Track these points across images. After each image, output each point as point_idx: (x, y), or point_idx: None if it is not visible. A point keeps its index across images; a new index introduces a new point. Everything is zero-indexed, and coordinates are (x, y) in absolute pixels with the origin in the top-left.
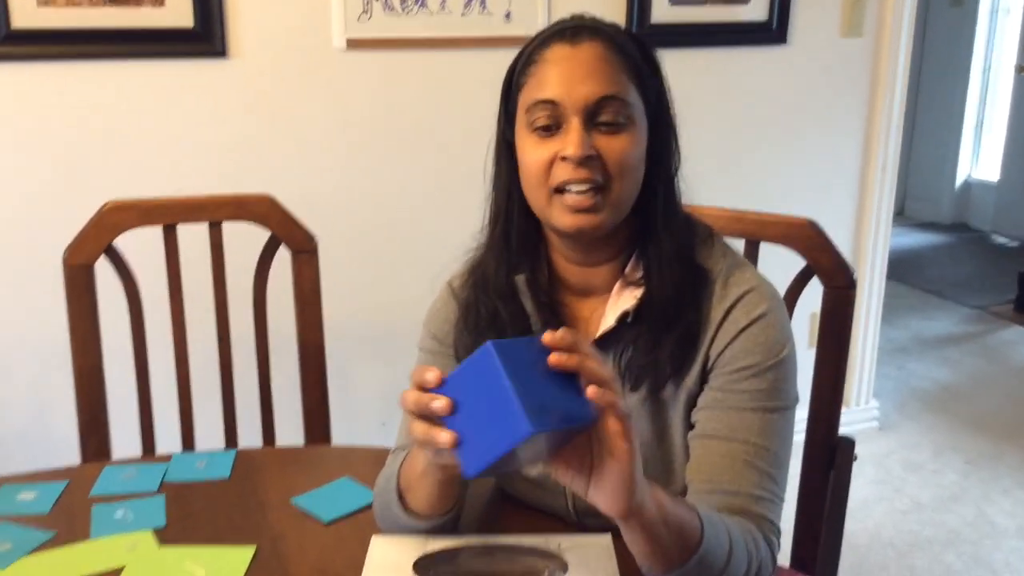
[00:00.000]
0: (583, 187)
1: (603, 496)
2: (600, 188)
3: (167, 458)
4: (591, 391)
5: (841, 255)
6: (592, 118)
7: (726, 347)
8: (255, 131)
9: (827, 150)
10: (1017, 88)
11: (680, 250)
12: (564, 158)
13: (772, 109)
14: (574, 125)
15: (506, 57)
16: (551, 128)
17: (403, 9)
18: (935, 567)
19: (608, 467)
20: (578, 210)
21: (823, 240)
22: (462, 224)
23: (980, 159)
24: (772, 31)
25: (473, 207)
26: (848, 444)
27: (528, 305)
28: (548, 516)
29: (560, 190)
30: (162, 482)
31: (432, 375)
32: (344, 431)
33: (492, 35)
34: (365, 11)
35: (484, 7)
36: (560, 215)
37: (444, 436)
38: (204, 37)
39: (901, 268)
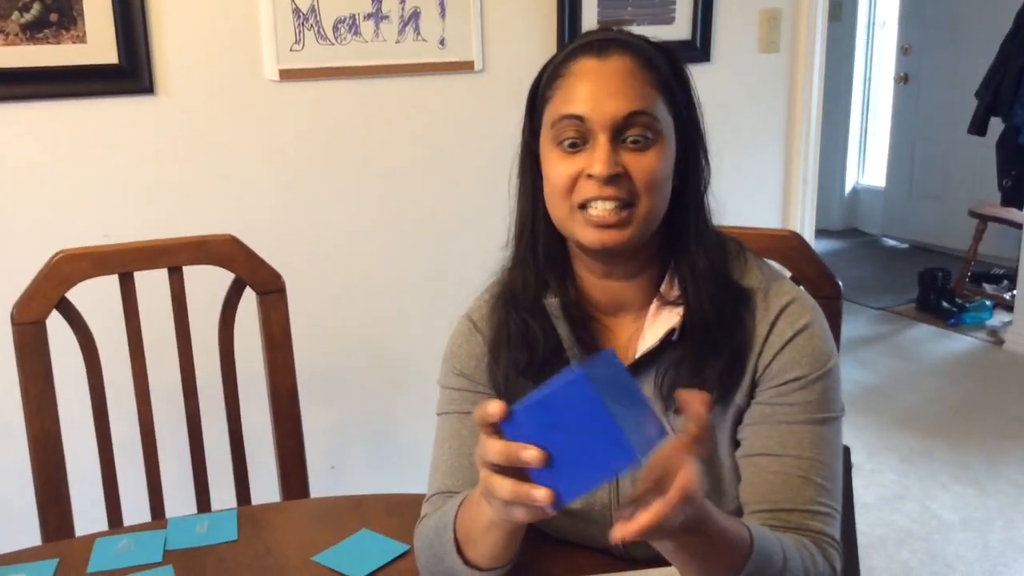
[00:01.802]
0: (608, 204)
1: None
2: (627, 204)
3: (161, 524)
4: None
5: (826, 266)
6: (619, 134)
7: (772, 359)
8: (189, 169)
9: (751, 164)
10: (897, 97)
11: (714, 266)
12: (590, 176)
13: None
14: (601, 142)
15: (442, 83)
16: (577, 143)
17: (336, 38)
18: (893, 566)
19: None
20: (602, 225)
21: (808, 251)
22: (411, 253)
23: (866, 166)
24: (696, 49)
25: (418, 234)
26: (845, 452)
27: (559, 325)
28: (592, 550)
29: (583, 205)
30: (164, 551)
31: (496, 407)
32: None
33: (427, 61)
34: (297, 41)
35: (418, 34)
36: (583, 230)
37: (541, 493)
38: (130, 73)
39: None
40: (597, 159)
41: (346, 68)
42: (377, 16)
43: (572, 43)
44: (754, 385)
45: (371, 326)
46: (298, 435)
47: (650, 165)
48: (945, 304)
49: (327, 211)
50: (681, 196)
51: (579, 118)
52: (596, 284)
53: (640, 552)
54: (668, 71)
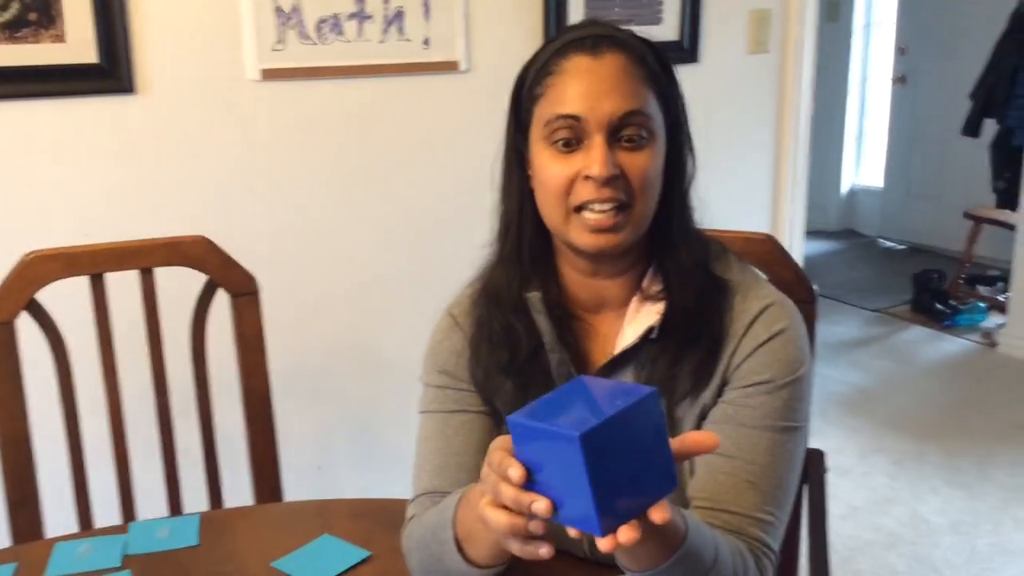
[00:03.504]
0: (606, 206)
1: None
2: (623, 206)
3: (123, 528)
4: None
5: (800, 269)
6: (615, 133)
7: (744, 361)
8: (170, 169)
9: (740, 164)
10: (894, 98)
11: (698, 263)
12: (588, 177)
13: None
14: (597, 142)
15: (426, 83)
16: (572, 143)
17: (319, 38)
18: (880, 570)
19: None
20: (599, 230)
21: (782, 255)
22: (393, 254)
23: (863, 167)
24: (684, 50)
25: (401, 235)
26: (818, 456)
27: (541, 321)
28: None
29: (580, 208)
30: (124, 556)
31: (517, 474)
32: None
33: (411, 61)
34: (279, 40)
35: (402, 33)
36: (580, 234)
37: (544, 550)
38: (110, 73)
39: None
40: (594, 160)
41: (329, 68)
42: (360, 16)
43: (561, 38)
44: (723, 384)
45: (356, 326)
46: (271, 437)
47: (645, 165)
48: (939, 306)
49: (311, 211)
50: (667, 193)
51: (575, 118)
52: (581, 282)
53: (602, 554)
54: (658, 68)
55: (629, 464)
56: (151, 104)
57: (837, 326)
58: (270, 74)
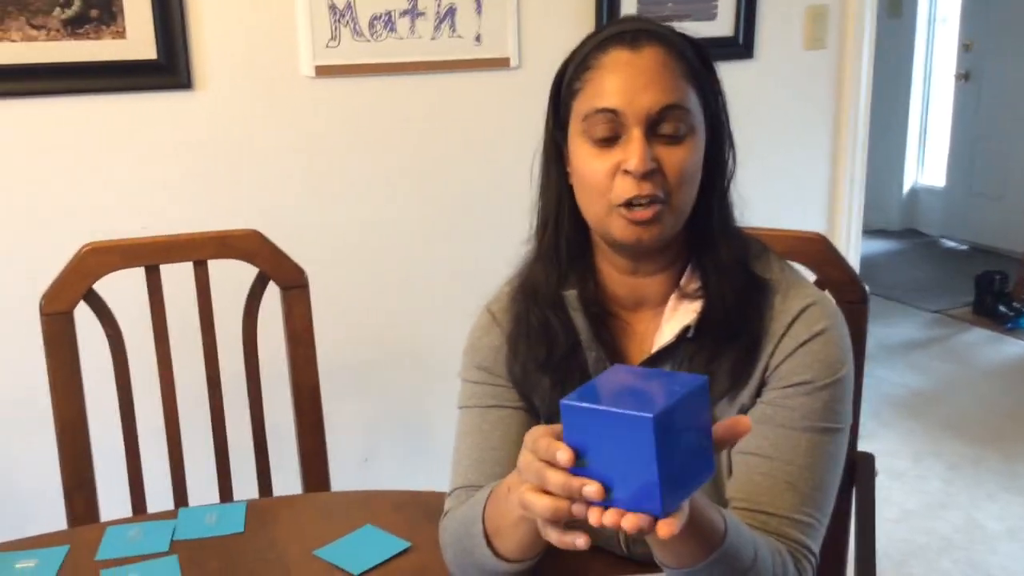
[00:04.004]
0: (644, 201)
1: None
2: (661, 200)
3: (173, 514)
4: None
5: (852, 269)
6: (653, 127)
7: (783, 361)
8: (225, 164)
9: (796, 163)
10: (958, 95)
11: (738, 261)
12: (626, 171)
13: (741, 123)
14: (635, 136)
15: (478, 80)
16: (610, 138)
17: (372, 35)
18: (932, 575)
19: None
20: (639, 223)
21: (834, 255)
22: (442, 250)
23: (925, 165)
24: (739, 46)
25: (452, 232)
26: (868, 459)
27: (578, 319)
28: (595, 549)
29: (622, 204)
30: (172, 540)
31: (565, 456)
32: None
33: (463, 58)
34: (333, 37)
35: (454, 31)
36: (621, 228)
37: (581, 540)
38: (168, 69)
39: (860, 276)
40: (632, 153)
41: (381, 64)
42: (413, 12)
43: (600, 33)
44: (762, 385)
45: (404, 321)
46: (319, 429)
47: (683, 159)
48: (1002, 308)
49: (362, 206)
50: (706, 190)
51: (613, 112)
52: (619, 280)
53: (640, 549)
54: (698, 63)
55: (684, 448)
56: (208, 100)
57: (896, 327)
58: (324, 71)
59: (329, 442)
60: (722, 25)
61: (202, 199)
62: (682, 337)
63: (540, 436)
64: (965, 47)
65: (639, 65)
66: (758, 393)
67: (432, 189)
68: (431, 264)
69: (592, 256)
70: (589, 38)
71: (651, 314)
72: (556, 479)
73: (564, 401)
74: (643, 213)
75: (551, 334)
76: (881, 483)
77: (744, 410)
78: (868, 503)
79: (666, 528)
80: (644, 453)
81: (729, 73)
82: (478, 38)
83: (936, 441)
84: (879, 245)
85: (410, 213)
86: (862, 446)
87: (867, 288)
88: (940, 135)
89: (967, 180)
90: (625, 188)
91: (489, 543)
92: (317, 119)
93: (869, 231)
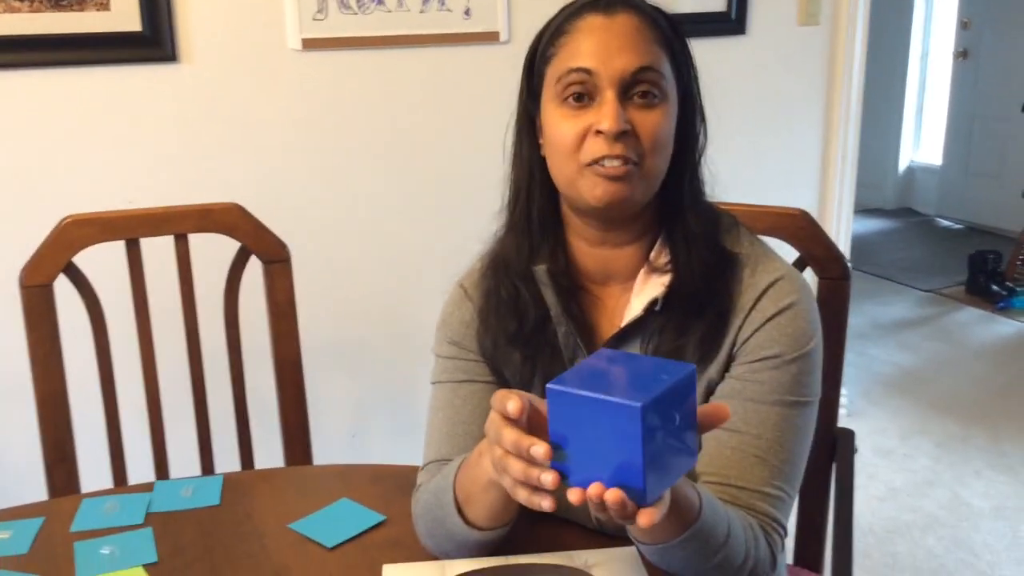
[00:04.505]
0: (616, 161)
1: None
2: (633, 162)
3: (149, 487)
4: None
5: (835, 246)
6: (627, 91)
7: (751, 335)
8: (211, 137)
9: (788, 140)
10: (955, 73)
11: (707, 235)
12: (599, 132)
13: (733, 99)
14: (609, 97)
15: (466, 54)
16: (583, 98)
17: (359, 7)
18: (916, 551)
19: None
20: (609, 178)
21: (816, 231)
22: (428, 226)
23: (922, 144)
24: (731, 21)
25: (440, 207)
26: (848, 435)
27: (548, 294)
28: (565, 522)
29: (591, 163)
30: (147, 513)
31: (515, 407)
32: (313, 445)
33: (451, 32)
34: (320, 10)
35: (443, 4)
36: (591, 188)
37: (547, 502)
38: (153, 41)
39: (852, 254)
40: (605, 114)
41: (369, 38)
42: None
43: (573, 3)
44: (730, 359)
45: (392, 296)
46: (302, 403)
47: (656, 123)
48: (995, 287)
49: (350, 181)
50: (677, 163)
51: (587, 71)
52: (588, 252)
53: (611, 524)
54: (671, 32)
55: (669, 437)
56: (193, 73)
57: (888, 306)
58: (311, 43)
59: (317, 418)
60: (715, 0)
61: (188, 173)
62: (651, 310)
63: (503, 395)
64: (963, 25)
65: (614, 29)
66: (727, 367)
67: (420, 164)
68: (419, 239)
69: (563, 230)
70: (563, 8)
71: (621, 288)
72: (509, 436)
73: (550, 385)
74: (614, 168)
75: (521, 307)
76: (868, 461)
77: (713, 384)
78: (847, 479)
79: (647, 517)
80: (630, 441)
81: (722, 49)
82: (467, 12)
83: (924, 419)
84: (874, 224)
85: (398, 188)
86: (851, 423)
87: (860, 267)
88: (937, 113)
89: (964, 159)
90: (597, 147)
91: (460, 511)
92: (304, 92)
93: (865, 210)
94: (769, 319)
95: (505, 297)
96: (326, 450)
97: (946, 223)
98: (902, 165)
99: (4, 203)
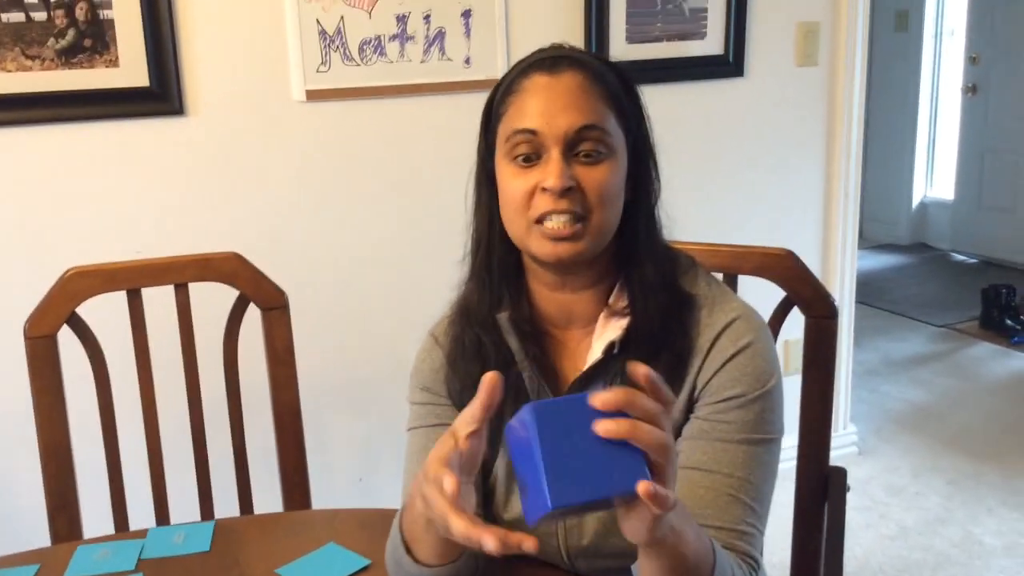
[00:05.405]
0: (563, 217)
1: (629, 524)
2: (580, 217)
3: (143, 533)
4: (642, 487)
5: (821, 285)
6: (572, 148)
7: (713, 376)
8: (217, 189)
9: (789, 179)
10: (965, 108)
11: (664, 278)
12: (544, 189)
13: (733, 141)
14: (554, 156)
15: (467, 102)
16: (531, 158)
17: (362, 59)
18: None
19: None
20: (557, 238)
21: (802, 271)
22: (431, 273)
23: (934, 179)
24: (729, 64)
25: (442, 254)
26: (840, 474)
27: (511, 340)
28: (538, 561)
29: (540, 220)
30: (139, 560)
31: (464, 443)
32: (320, 488)
33: (452, 80)
34: (324, 62)
35: (443, 53)
36: (539, 244)
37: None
38: (161, 96)
39: (865, 290)
40: (550, 172)
41: (372, 88)
42: (402, 37)
43: (524, 60)
44: (693, 400)
45: (396, 341)
46: (300, 449)
47: (602, 178)
48: (1009, 322)
49: (355, 229)
50: (633, 209)
51: (532, 132)
52: (548, 297)
53: (582, 563)
54: (618, 87)
55: (579, 448)
56: (200, 125)
57: (901, 342)
58: (315, 95)
59: (324, 462)
60: (712, 44)
61: (196, 222)
62: (610, 353)
63: (432, 460)
64: (972, 60)
65: (558, 88)
66: (690, 408)
67: (424, 209)
68: (426, 285)
69: (524, 276)
70: (515, 66)
71: (582, 332)
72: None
73: (508, 423)
74: (559, 228)
75: (484, 353)
76: (879, 499)
77: (677, 424)
78: (838, 519)
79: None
80: (533, 446)
81: (720, 91)
82: (467, 60)
83: (936, 456)
84: (888, 259)
85: (403, 234)
86: (862, 461)
87: (874, 303)
88: (948, 148)
89: (976, 193)
90: (544, 203)
91: (408, 550)
92: (309, 143)
93: (878, 245)
94: (729, 359)
95: (469, 345)
96: (333, 494)
97: (960, 257)
98: (915, 200)
99: (12, 256)
